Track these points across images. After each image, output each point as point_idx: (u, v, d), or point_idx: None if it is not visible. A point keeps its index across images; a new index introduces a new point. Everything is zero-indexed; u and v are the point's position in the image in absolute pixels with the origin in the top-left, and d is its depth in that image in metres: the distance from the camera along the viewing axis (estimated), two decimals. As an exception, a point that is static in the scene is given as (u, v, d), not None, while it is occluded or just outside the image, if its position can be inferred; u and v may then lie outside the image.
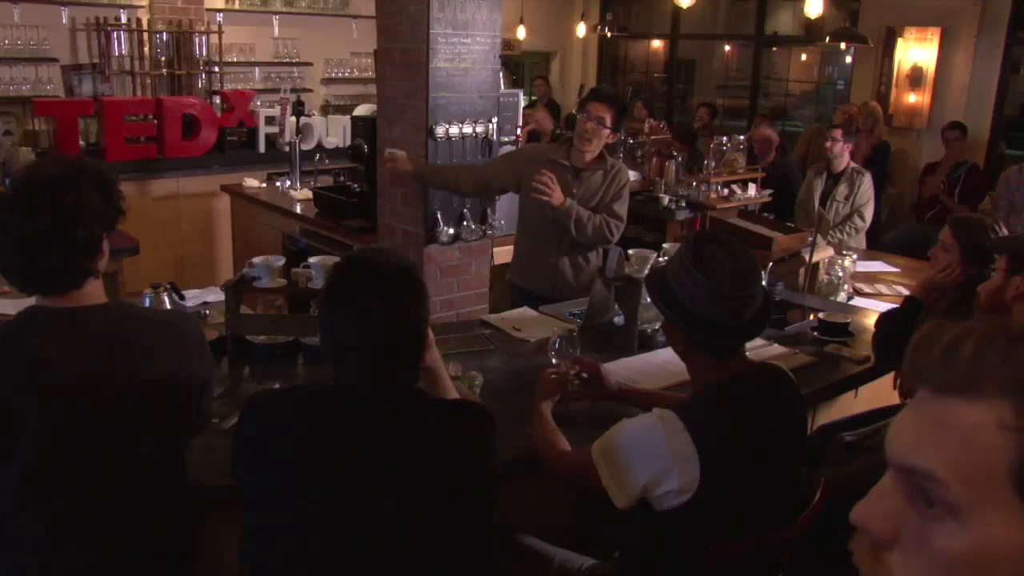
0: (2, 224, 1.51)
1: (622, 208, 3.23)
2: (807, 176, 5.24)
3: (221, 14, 7.12)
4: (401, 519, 1.41)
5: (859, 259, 3.85)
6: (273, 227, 5.08)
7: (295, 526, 1.42)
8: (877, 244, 5.12)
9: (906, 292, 3.02)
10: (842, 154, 4.92)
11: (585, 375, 2.14)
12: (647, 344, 2.73)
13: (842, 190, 4.90)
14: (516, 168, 3.28)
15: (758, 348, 2.65)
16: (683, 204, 5.28)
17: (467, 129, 3.49)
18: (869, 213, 4.90)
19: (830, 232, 4.81)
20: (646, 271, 2.86)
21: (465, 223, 3.58)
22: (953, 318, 2.45)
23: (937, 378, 0.66)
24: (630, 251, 3.10)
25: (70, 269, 1.55)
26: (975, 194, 5.98)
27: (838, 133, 4.95)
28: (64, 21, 6.44)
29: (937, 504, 0.64)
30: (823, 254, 3.59)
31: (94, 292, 1.60)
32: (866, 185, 4.88)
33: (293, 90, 6.58)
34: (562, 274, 3.29)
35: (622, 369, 2.43)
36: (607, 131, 3.16)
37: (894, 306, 2.88)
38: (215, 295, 2.96)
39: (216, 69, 6.98)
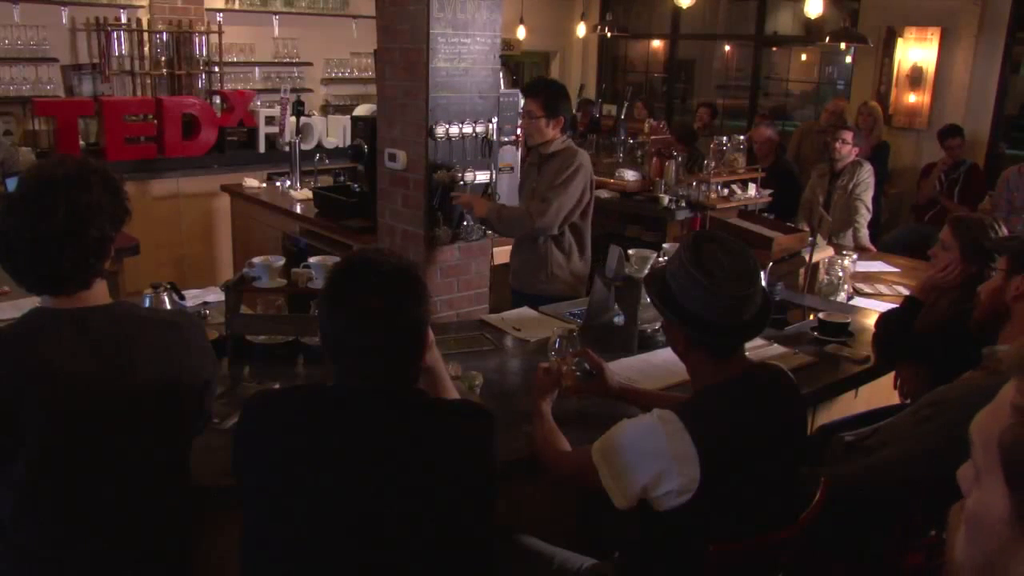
0: (15, 224, 1.51)
1: (555, 192, 3.29)
2: (811, 177, 5.26)
3: (221, 14, 7.11)
4: (401, 519, 1.41)
5: (859, 259, 3.86)
6: (273, 227, 5.08)
7: (295, 526, 1.42)
8: (877, 244, 5.13)
9: (906, 292, 3.02)
10: (849, 156, 4.94)
11: (587, 366, 2.14)
12: (647, 344, 2.73)
13: (842, 182, 4.94)
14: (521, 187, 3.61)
15: (758, 348, 2.65)
16: (683, 204, 5.28)
17: (467, 129, 3.49)
18: (869, 197, 4.90)
19: (845, 227, 4.84)
20: (646, 271, 2.86)
21: (465, 223, 3.58)
22: (953, 318, 2.46)
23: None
24: (630, 251, 3.10)
25: (83, 269, 1.55)
26: (974, 194, 5.98)
27: (848, 136, 4.95)
28: (64, 21, 6.44)
29: (975, 466, 0.73)
30: (823, 254, 3.59)
31: (100, 293, 1.61)
32: (865, 173, 4.91)
33: (293, 90, 6.58)
34: (531, 268, 3.47)
35: (622, 369, 2.43)
36: (542, 120, 3.34)
37: (894, 306, 2.88)
38: (215, 295, 2.96)
39: (216, 69, 6.97)
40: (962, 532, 0.74)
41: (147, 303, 2.54)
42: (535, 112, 3.33)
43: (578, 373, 2.13)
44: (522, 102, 3.61)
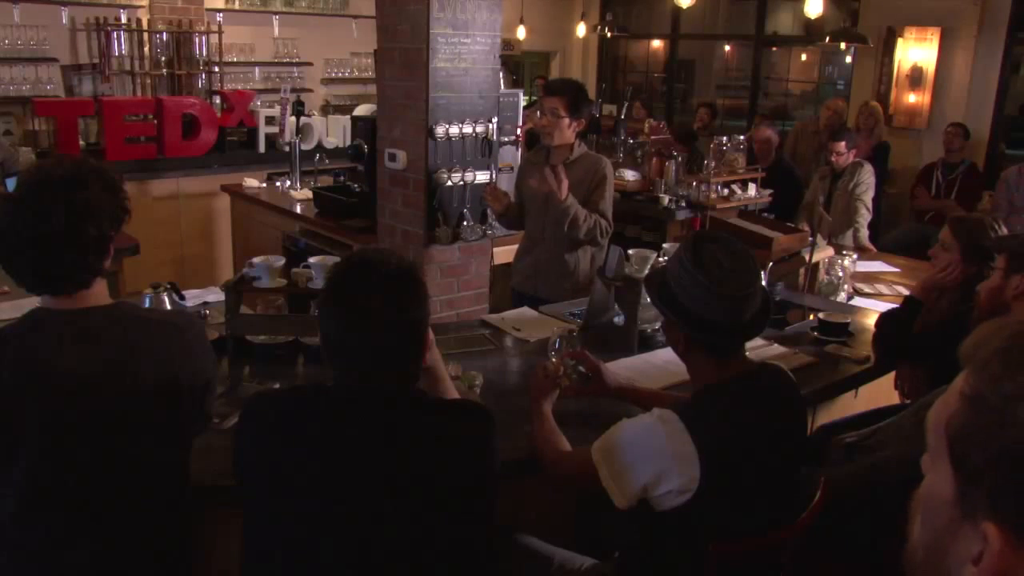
0: (14, 225, 1.51)
1: (608, 207, 3.29)
2: (813, 180, 5.29)
3: (221, 14, 7.12)
4: (401, 519, 1.41)
5: (859, 259, 3.86)
6: (273, 227, 5.08)
7: (295, 526, 1.42)
8: (877, 244, 5.13)
9: (906, 292, 3.02)
10: (847, 162, 4.97)
11: (582, 369, 2.14)
12: (647, 344, 2.73)
13: (843, 182, 4.96)
14: (518, 185, 3.53)
15: (758, 348, 2.65)
16: (683, 204, 5.28)
17: (467, 129, 3.49)
18: (869, 197, 4.91)
19: (846, 227, 4.84)
20: (646, 271, 2.86)
21: (465, 223, 3.58)
22: (953, 318, 2.46)
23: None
24: (630, 251, 3.09)
25: (81, 269, 1.55)
26: (973, 194, 5.98)
27: (841, 147, 4.96)
28: (64, 21, 6.44)
29: (929, 451, 0.77)
30: (823, 254, 3.59)
31: (100, 293, 1.61)
32: (866, 174, 4.92)
33: (293, 90, 6.58)
34: (553, 274, 3.36)
35: (622, 369, 2.42)
36: (566, 120, 3.26)
37: (894, 306, 2.88)
38: (215, 295, 2.96)
39: (216, 69, 6.98)
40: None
41: (147, 303, 2.53)
42: (559, 111, 3.25)
43: (574, 376, 2.13)
44: (523, 101, 3.61)
